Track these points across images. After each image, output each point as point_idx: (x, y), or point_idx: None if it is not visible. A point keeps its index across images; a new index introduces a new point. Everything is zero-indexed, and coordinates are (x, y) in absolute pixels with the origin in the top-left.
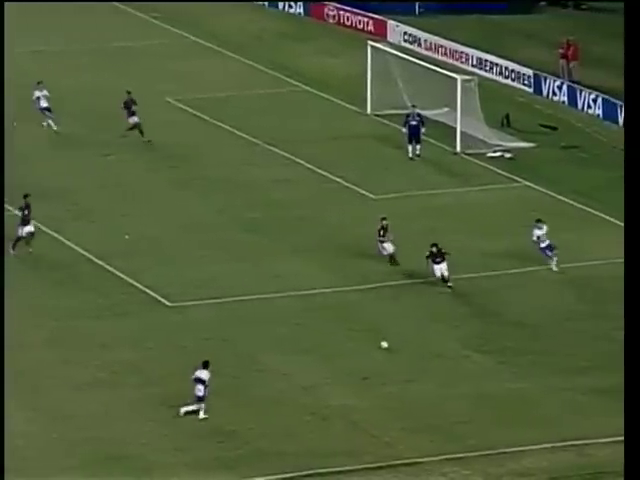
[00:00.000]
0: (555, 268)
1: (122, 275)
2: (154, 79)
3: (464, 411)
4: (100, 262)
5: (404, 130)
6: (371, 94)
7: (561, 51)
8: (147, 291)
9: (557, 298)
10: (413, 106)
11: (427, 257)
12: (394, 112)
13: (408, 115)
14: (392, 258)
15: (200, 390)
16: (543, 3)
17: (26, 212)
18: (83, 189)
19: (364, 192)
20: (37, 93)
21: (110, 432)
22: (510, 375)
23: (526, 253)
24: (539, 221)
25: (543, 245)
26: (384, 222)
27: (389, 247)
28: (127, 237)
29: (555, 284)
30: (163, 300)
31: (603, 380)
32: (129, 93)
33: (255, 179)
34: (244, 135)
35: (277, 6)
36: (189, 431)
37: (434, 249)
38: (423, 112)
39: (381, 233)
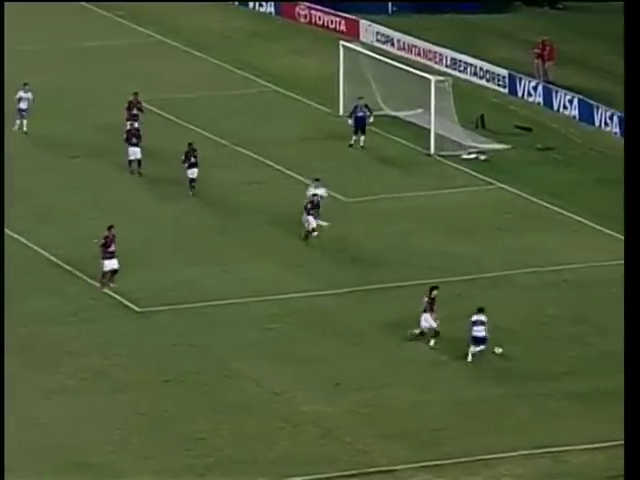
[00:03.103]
0: (324, 223)
1: (90, 280)
2: (120, 79)
3: (439, 417)
4: (67, 267)
5: (350, 122)
6: (343, 95)
7: (537, 51)
8: (115, 296)
9: (533, 302)
10: (360, 98)
11: None
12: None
13: (356, 107)
14: (309, 234)
15: (480, 330)
16: (518, 2)
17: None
18: (50, 191)
19: (336, 195)
20: (20, 94)
21: (78, 439)
22: (485, 381)
23: (502, 256)
24: (318, 180)
25: (312, 204)
26: (315, 198)
27: (312, 221)
28: (95, 241)
29: (531, 288)
30: (132, 305)
31: (579, 386)
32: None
33: (224, 181)
34: (212, 136)
35: (247, 5)
36: (158, 439)
37: None
38: (397, 113)
39: (309, 207)
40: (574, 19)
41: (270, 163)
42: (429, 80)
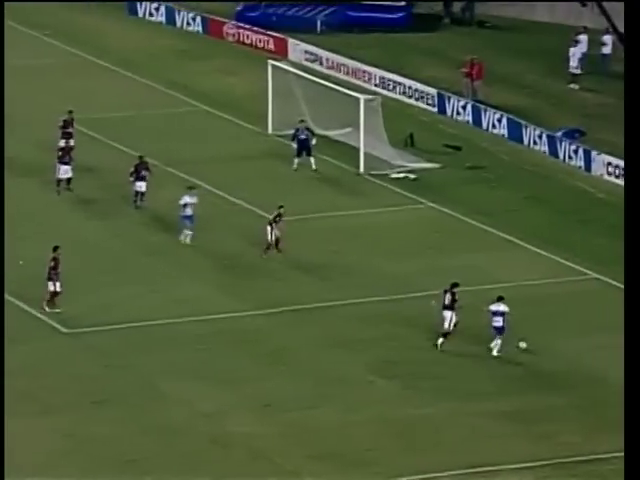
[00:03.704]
0: (188, 240)
1: (16, 301)
2: (46, 99)
3: (369, 437)
4: None
5: (294, 145)
6: (272, 114)
7: (465, 70)
8: (42, 317)
9: (462, 322)
10: (301, 121)
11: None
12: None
13: (297, 130)
14: (276, 243)
15: (499, 321)
16: (446, 21)
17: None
18: None
19: (265, 214)
20: None
21: (6, 462)
22: (416, 400)
23: (432, 275)
24: (192, 188)
25: (186, 214)
26: (281, 210)
27: (276, 232)
28: (21, 263)
29: (461, 307)
30: (59, 327)
31: (509, 405)
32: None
33: (154, 201)
34: None
35: (175, 24)
36: (87, 461)
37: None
38: (326, 132)
39: (276, 219)
40: (502, 38)
41: (200, 182)
42: (358, 99)
